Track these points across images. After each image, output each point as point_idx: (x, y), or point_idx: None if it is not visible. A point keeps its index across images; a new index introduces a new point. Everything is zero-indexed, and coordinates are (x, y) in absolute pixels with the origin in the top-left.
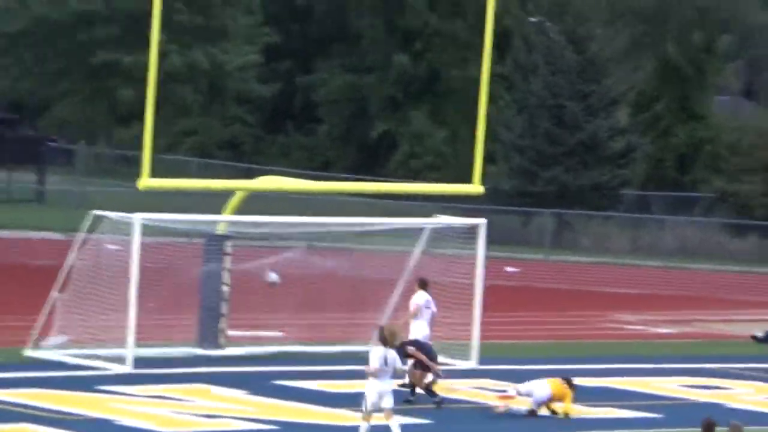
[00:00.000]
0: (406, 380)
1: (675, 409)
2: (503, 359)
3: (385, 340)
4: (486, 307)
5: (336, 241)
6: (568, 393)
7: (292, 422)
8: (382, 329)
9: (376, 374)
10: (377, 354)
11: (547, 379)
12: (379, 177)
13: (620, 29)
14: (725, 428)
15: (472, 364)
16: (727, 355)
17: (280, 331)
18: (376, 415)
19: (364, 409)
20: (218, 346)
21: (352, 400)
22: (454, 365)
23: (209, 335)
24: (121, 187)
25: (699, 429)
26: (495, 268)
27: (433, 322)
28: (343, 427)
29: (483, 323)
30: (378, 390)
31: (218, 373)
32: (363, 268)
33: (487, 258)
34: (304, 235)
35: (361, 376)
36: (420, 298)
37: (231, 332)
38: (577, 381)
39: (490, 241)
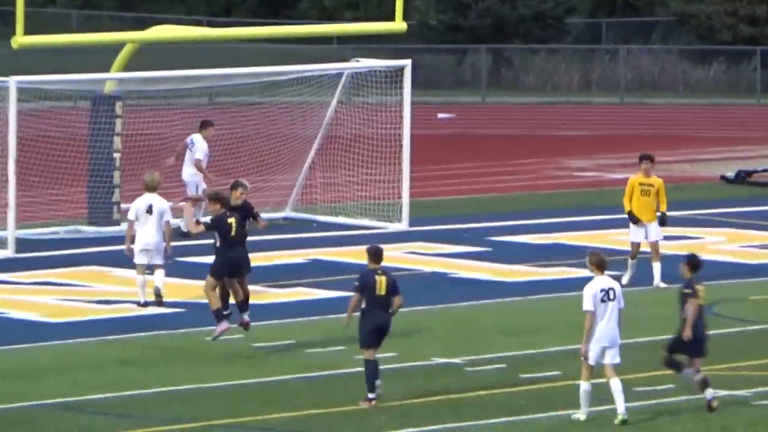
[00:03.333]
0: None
1: (637, 266)
2: (438, 218)
3: (148, 187)
4: (416, 160)
5: (242, 96)
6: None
7: (197, 303)
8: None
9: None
10: (141, 203)
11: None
12: (288, 20)
13: None
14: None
15: (402, 226)
16: (695, 200)
17: (181, 200)
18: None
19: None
20: (112, 222)
21: (265, 275)
22: (384, 228)
23: (101, 210)
24: None
25: None
26: (425, 115)
27: (194, 163)
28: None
29: (413, 179)
30: (144, 240)
31: (114, 252)
32: (274, 125)
33: (416, 104)
34: (205, 90)
35: (268, 246)
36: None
37: (126, 205)
38: (525, 238)
39: (419, 85)
